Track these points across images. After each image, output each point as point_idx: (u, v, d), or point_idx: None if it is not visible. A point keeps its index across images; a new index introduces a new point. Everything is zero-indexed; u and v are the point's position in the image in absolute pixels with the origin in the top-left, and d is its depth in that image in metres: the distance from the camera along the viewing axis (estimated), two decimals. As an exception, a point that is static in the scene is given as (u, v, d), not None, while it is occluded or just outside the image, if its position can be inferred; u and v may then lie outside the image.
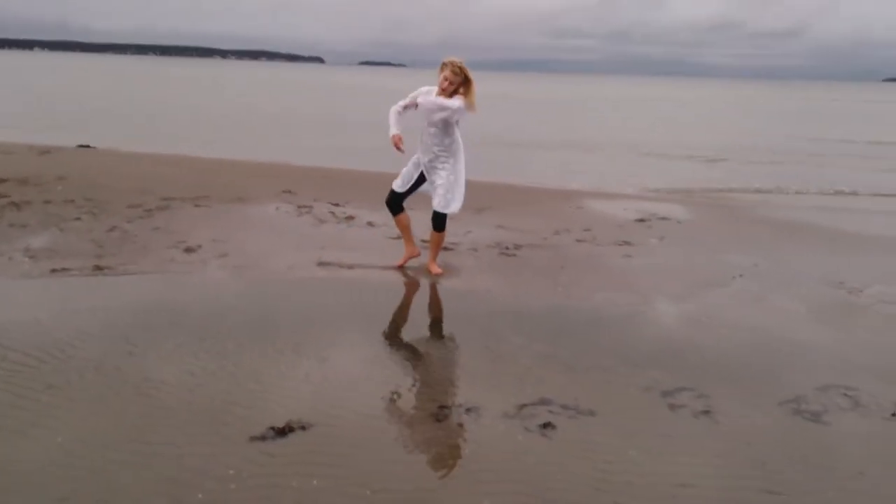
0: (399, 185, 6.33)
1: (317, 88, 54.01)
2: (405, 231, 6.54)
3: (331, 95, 51.06)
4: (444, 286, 6.20)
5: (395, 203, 6.40)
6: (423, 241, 6.85)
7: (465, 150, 6.22)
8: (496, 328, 5.17)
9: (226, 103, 36.66)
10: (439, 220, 6.28)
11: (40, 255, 6.59)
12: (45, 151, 13.41)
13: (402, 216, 6.46)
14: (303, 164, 13.84)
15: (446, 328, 5.29)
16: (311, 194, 10.12)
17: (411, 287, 6.18)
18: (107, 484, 3.09)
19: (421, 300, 5.91)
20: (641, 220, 9.32)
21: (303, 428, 3.63)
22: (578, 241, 8.05)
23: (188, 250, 6.98)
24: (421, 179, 6.27)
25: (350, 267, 6.61)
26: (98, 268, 6.27)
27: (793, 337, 5.25)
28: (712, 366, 4.66)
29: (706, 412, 4.01)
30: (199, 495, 3.03)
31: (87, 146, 15.31)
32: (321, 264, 6.65)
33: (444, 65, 5.81)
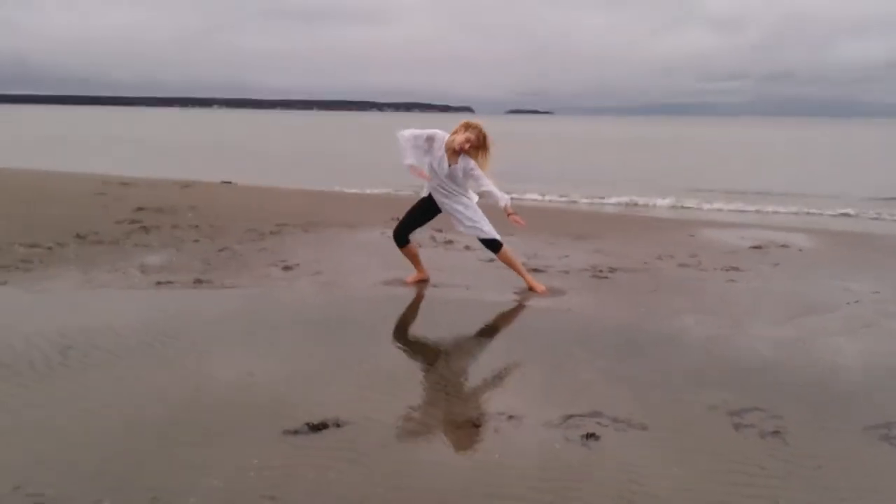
0: (406, 224, 6.50)
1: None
2: (414, 259, 6.66)
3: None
4: (520, 304, 6.06)
5: (402, 236, 6.50)
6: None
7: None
8: (562, 343, 4.97)
9: (369, 147, 38.28)
10: (491, 245, 6.36)
11: (152, 270, 7.07)
12: (187, 185, 14.51)
13: (408, 247, 6.57)
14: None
15: (509, 342, 5.15)
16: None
17: (486, 304, 6.08)
18: (135, 460, 3.21)
19: (491, 316, 5.79)
20: (757, 248, 8.73)
21: (337, 425, 3.62)
22: (681, 265, 7.64)
23: (286, 268, 7.26)
24: (428, 216, 6.46)
25: (435, 285, 6.62)
26: (198, 281, 6.64)
27: (901, 363, 4.68)
28: (795, 388, 4.23)
29: (776, 433, 3.63)
30: (215, 481, 3.07)
31: (229, 182, 16.43)
32: (406, 284, 6.71)
33: (468, 126, 5.99)
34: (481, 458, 3.34)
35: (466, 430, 3.64)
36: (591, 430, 3.59)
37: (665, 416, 3.81)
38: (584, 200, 16.01)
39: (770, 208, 14.62)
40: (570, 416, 3.77)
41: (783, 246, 8.85)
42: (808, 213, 13.98)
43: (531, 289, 6.38)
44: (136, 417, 3.66)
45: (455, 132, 6.03)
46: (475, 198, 6.36)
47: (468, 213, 6.29)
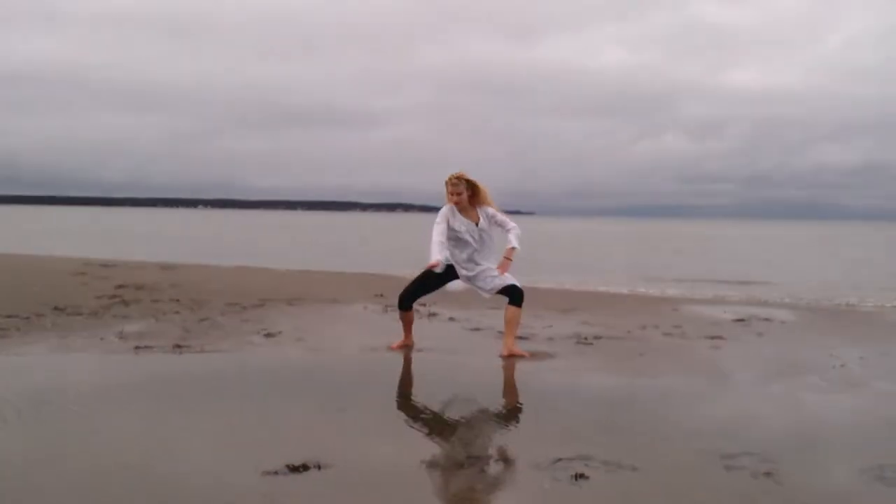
0: (414, 291, 6.43)
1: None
2: (408, 325, 6.58)
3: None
4: (507, 365, 5.99)
5: (408, 301, 6.44)
6: (500, 331, 6.68)
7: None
8: (551, 398, 4.90)
9: (350, 236, 38.59)
10: (517, 294, 6.19)
11: (131, 337, 6.95)
12: (169, 267, 14.46)
13: (409, 313, 6.52)
14: (402, 274, 14.15)
15: (495, 397, 5.07)
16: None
17: (471, 366, 6.01)
18: (107, 485, 3.06)
19: (478, 375, 5.71)
20: (740, 320, 8.75)
21: (318, 467, 3.50)
22: (665, 334, 7.63)
23: (268, 335, 7.17)
24: (438, 285, 6.36)
25: (419, 350, 6.54)
26: (178, 346, 6.52)
27: (891, 415, 4.64)
28: (786, 436, 4.16)
29: (768, 474, 3.54)
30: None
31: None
32: (389, 350, 6.63)
33: (446, 183, 6.16)
34: (463, 498, 3.23)
35: (452, 471, 3.53)
36: (580, 471, 3.49)
37: (655, 459, 3.71)
38: (570, 282, 16.05)
39: (754, 292, 14.70)
40: (559, 459, 3.66)
41: (766, 319, 8.88)
42: (790, 297, 14.08)
43: (511, 352, 6.20)
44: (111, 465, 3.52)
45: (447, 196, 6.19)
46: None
47: (493, 273, 6.20)
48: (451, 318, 8.45)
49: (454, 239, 6.14)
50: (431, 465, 3.60)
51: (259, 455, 3.61)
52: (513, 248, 6.15)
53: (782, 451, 3.87)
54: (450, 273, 6.20)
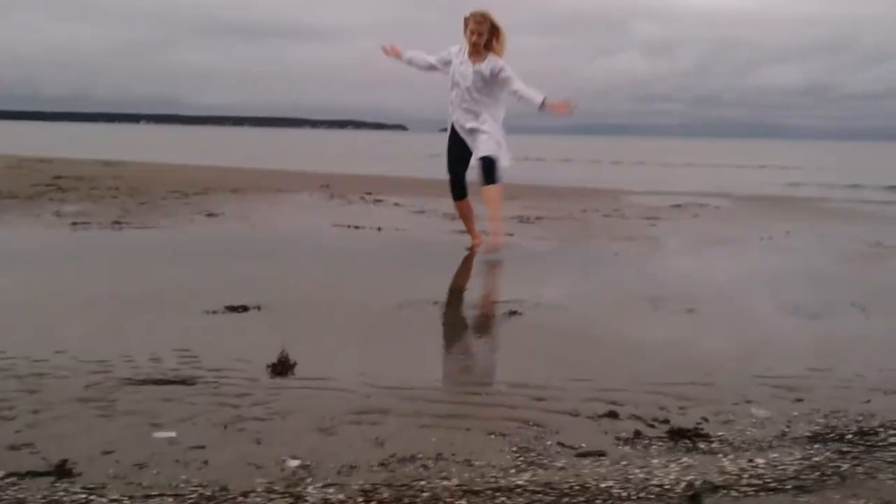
0: (452, 166, 5.57)
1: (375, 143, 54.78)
2: (467, 221, 5.67)
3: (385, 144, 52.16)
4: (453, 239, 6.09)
5: (458, 186, 5.55)
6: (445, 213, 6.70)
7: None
8: (490, 259, 5.03)
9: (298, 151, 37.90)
10: (490, 169, 5.29)
11: (68, 216, 6.81)
12: (109, 163, 14.06)
13: (464, 203, 5.60)
14: (349, 173, 14.08)
15: (435, 257, 5.18)
16: (347, 188, 10.23)
17: (420, 240, 6.08)
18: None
19: (415, 243, 5.80)
20: (677, 206, 9.01)
21: (258, 308, 3.56)
22: (604, 216, 7.82)
23: (210, 215, 7.10)
24: (467, 151, 5.43)
25: (358, 227, 6.54)
26: (116, 223, 6.43)
27: (809, 268, 4.91)
28: (712, 285, 4.40)
29: (690, 310, 3.72)
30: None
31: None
32: (335, 225, 6.64)
33: (465, 19, 5.24)
34: (404, 328, 3.34)
35: (383, 311, 3.63)
36: (514, 310, 3.63)
37: (584, 300, 3.89)
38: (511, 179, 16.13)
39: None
40: (495, 302, 3.81)
41: (702, 205, 9.16)
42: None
43: (496, 243, 5.37)
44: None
45: (465, 33, 5.26)
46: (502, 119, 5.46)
47: (485, 139, 5.29)
48: (396, 204, 8.47)
49: (455, 84, 5.35)
50: (370, 305, 3.70)
51: (200, 300, 3.65)
52: (545, 101, 5.12)
53: (704, 295, 4.08)
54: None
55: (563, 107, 5.14)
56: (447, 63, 5.40)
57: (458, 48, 5.36)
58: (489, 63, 5.20)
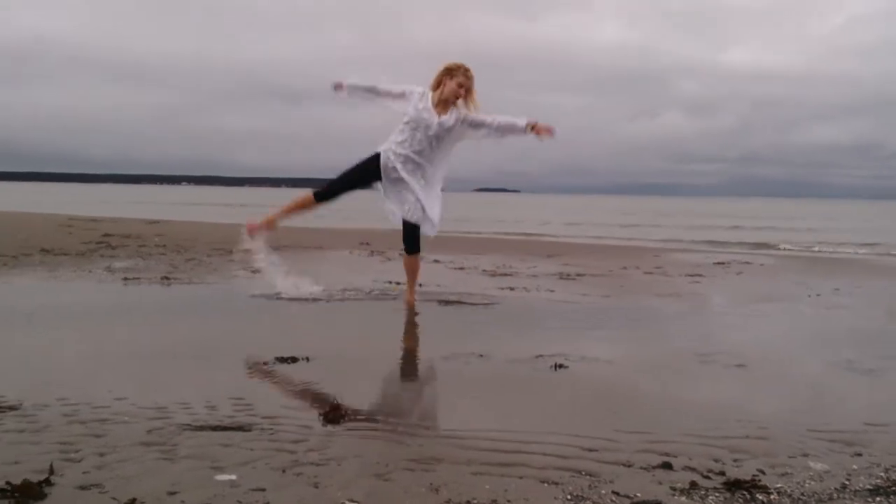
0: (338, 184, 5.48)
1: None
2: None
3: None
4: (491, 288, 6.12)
5: (330, 197, 5.51)
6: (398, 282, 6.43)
7: None
8: (532, 313, 5.04)
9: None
10: (416, 242, 5.45)
11: (119, 271, 7.01)
12: (154, 222, 14.46)
13: (313, 206, 5.66)
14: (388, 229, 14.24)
15: (479, 309, 5.20)
16: (386, 244, 10.35)
17: (442, 291, 6.13)
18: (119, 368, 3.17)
19: (451, 290, 5.84)
20: (720, 263, 8.94)
21: (307, 360, 3.61)
22: (646, 273, 7.79)
23: (255, 272, 7.23)
24: (364, 183, 5.37)
25: (399, 283, 6.60)
26: (165, 278, 6.60)
27: (860, 325, 4.83)
28: (760, 341, 4.34)
29: (740, 366, 3.69)
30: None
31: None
32: (375, 281, 6.74)
33: (450, 70, 5.01)
34: (451, 383, 3.36)
35: (430, 363, 3.66)
36: (560, 363, 3.63)
37: (631, 356, 3.87)
38: (551, 235, 16.18)
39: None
40: (540, 356, 3.81)
41: (746, 263, 9.08)
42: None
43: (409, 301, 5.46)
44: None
45: (439, 82, 5.05)
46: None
47: (429, 201, 5.15)
48: (436, 261, 8.55)
49: (418, 127, 5.07)
50: (417, 357, 3.74)
51: (251, 351, 3.72)
52: (528, 123, 4.99)
53: (754, 351, 4.04)
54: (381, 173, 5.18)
55: (549, 129, 4.96)
56: (407, 100, 5.11)
57: (421, 91, 5.10)
58: (454, 113, 5.03)
